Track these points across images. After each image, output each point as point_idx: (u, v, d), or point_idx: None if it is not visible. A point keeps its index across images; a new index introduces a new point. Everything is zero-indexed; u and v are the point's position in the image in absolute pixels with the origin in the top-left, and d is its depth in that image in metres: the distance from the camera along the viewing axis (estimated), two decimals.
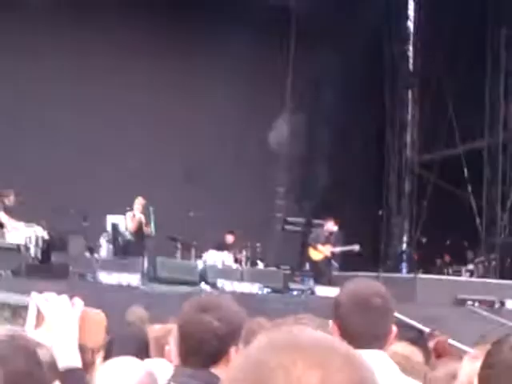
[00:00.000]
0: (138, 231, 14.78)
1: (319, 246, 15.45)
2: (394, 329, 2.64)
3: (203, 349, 2.51)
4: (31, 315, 1.96)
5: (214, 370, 2.52)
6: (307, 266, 16.41)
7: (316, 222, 16.95)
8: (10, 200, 14.14)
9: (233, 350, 2.55)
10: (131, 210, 14.91)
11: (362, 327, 2.57)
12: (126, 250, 14.65)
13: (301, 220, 17.31)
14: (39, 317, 1.97)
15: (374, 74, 20.34)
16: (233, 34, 17.46)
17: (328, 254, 15.45)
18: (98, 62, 17.90)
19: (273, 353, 1.02)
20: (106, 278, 12.83)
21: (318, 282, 14.97)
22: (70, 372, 1.94)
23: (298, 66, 18.35)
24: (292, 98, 18.83)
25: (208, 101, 18.40)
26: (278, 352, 1.02)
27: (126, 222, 14.85)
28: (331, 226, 15.54)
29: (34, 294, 1.99)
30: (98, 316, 2.08)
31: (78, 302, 2.05)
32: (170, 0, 18.03)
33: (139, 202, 14.89)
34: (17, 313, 1.96)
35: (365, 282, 2.79)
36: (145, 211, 14.90)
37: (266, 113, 18.58)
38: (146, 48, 18.08)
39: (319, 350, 1.03)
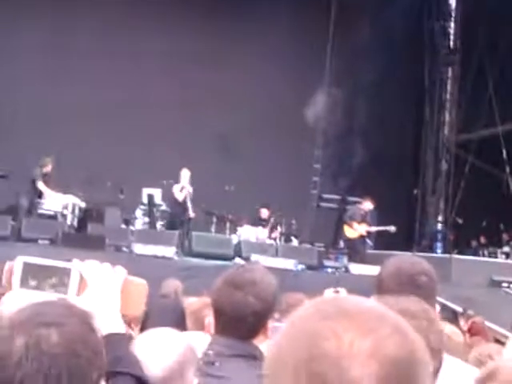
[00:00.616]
0: (184, 204, 14.77)
1: (354, 224, 15.40)
2: (437, 307, 2.62)
3: (240, 325, 2.50)
4: (74, 282, 1.97)
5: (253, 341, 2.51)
6: (342, 244, 16.38)
7: (351, 199, 16.89)
8: (48, 168, 14.29)
9: (270, 322, 2.54)
10: (170, 182, 14.92)
11: None
12: (170, 222, 14.72)
13: (336, 197, 17.27)
14: (81, 284, 1.98)
15: (413, 50, 20.14)
16: (272, 7, 17.40)
17: (363, 232, 15.42)
18: (129, 28, 17.92)
19: (323, 321, 1.03)
20: (142, 249, 12.90)
21: (352, 259, 14.95)
22: (115, 336, 1.94)
23: (337, 40, 18.24)
24: (330, 73, 18.71)
25: (245, 74, 18.37)
26: (328, 320, 1.02)
27: (174, 194, 14.80)
28: (368, 205, 15.48)
29: (75, 260, 2.00)
30: (140, 285, 2.08)
31: (121, 270, 2.05)
32: None
33: (186, 174, 14.87)
34: (61, 279, 1.97)
35: (409, 260, 2.74)
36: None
37: (304, 87, 18.47)
38: (185, 17, 18.07)
39: (369, 316, 1.04)
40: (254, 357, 2.43)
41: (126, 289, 2.02)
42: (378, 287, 2.60)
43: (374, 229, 15.62)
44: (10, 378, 1.51)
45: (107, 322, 1.95)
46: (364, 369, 0.98)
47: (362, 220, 15.44)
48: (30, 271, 1.94)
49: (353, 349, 0.99)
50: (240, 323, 2.49)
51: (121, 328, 1.98)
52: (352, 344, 1.00)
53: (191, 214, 14.74)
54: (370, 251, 15.71)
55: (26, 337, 1.53)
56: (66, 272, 1.96)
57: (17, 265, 1.94)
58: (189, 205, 14.69)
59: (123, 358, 1.95)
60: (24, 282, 1.94)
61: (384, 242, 16.04)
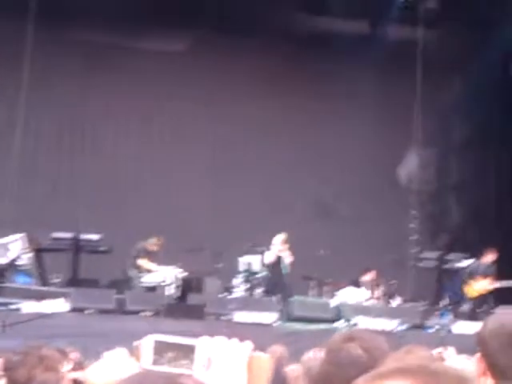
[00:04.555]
0: (278, 269, 14.85)
1: (476, 282, 14.40)
2: None
3: (341, 374, 2.53)
4: (200, 357, 2.02)
5: None
6: (465, 303, 15.44)
7: (450, 257, 16.46)
8: (154, 248, 14.72)
9: None
10: (265, 248, 15.05)
11: None
12: (267, 288, 14.78)
13: (435, 255, 16.94)
14: (208, 359, 2.03)
15: (505, 102, 19.85)
16: (357, 70, 17.53)
17: (488, 288, 14.38)
18: (229, 94, 18.30)
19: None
20: (242, 317, 12.95)
21: (476, 318, 13.80)
22: None
23: (425, 99, 18.17)
24: (421, 131, 18.62)
25: (335, 139, 18.48)
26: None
27: (266, 259, 14.95)
28: (490, 258, 14.44)
29: (203, 337, 2.05)
30: (265, 360, 2.12)
31: (248, 345, 2.10)
32: (297, 38, 18.26)
33: (278, 239, 14.97)
34: (182, 354, 2.02)
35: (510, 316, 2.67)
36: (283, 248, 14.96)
37: (395, 148, 18.44)
38: (272, 87, 18.34)
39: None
40: None
41: (250, 364, 2.07)
42: (481, 346, 2.55)
43: (503, 284, 14.33)
44: None
45: None
46: None
47: (485, 275, 14.39)
48: (157, 348, 2.01)
49: None
50: (345, 371, 2.53)
51: None
52: None
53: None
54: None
55: None
56: (191, 348, 2.02)
57: (146, 343, 2.02)
58: (283, 267, 14.76)
59: None
60: (152, 360, 2.01)
61: (499, 297, 15.35)
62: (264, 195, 18.05)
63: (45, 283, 14.70)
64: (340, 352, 2.59)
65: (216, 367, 2.01)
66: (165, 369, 1.95)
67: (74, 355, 6.35)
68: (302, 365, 3.76)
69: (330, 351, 2.66)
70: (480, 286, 14.47)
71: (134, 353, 2.04)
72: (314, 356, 3.65)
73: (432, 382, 1.05)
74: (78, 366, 5.98)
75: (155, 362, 2.00)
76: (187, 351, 2.01)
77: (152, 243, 14.72)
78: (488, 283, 14.49)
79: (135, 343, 2.05)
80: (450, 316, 14.81)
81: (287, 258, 14.89)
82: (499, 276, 14.99)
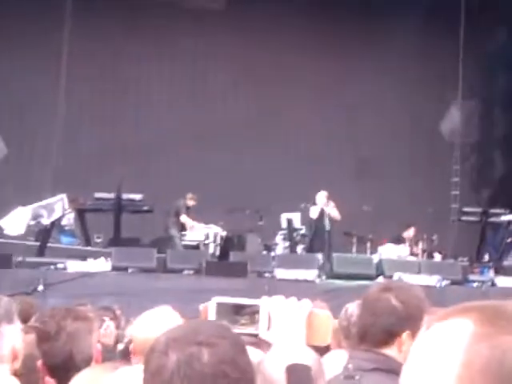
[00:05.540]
0: (320, 226, 14.82)
1: None
2: None
3: (378, 324, 2.58)
4: (263, 318, 2.05)
5: (387, 351, 2.56)
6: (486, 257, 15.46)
7: (494, 211, 16.30)
8: (192, 202, 14.85)
9: (405, 334, 2.57)
10: (307, 206, 15.02)
11: None
12: (309, 245, 14.79)
13: (477, 210, 16.80)
14: (269, 319, 2.06)
15: None
16: (399, 23, 17.27)
17: None
18: (268, 53, 18.17)
19: None
20: (283, 274, 12.99)
21: None
22: (297, 367, 1.99)
23: (468, 50, 17.86)
24: (464, 84, 18.35)
25: (376, 93, 18.27)
26: None
27: (312, 214, 14.92)
28: None
29: (264, 297, 2.07)
30: (325, 317, 2.14)
31: (307, 303, 2.11)
32: None
33: (322, 195, 14.93)
34: (251, 316, 2.04)
35: None
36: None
37: (438, 102, 18.22)
38: (311, 47, 18.16)
39: None
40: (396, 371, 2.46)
41: (311, 321, 2.08)
42: None
43: None
44: None
45: (291, 354, 2.01)
46: None
47: None
48: (222, 310, 2.03)
49: None
50: (378, 321, 2.64)
51: (305, 359, 2.01)
52: None
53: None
54: None
55: (178, 354, 1.54)
56: (255, 309, 2.04)
57: (211, 305, 2.04)
58: (325, 223, 14.72)
59: None
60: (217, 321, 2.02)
61: None
62: (305, 154, 17.99)
63: (88, 243, 14.90)
64: (376, 302, 2.63)
65: (276, 326, 2.03)
66: None
67: (118, 312, 6.46)
68: (340, 317, 3.80)
69: (366, 301, 2.69)
70: None
71: (202, 316, 2.06)
72: (352, 309, 3.70)
73: (497, 319, 1.04)
74: (121, 323, 6.09)
75: None
76: (251, 312, 2.03)
77: (190, 198, 14.84)
78: None
79: (201, 306, 2.07)
80: (491, 272, 14.69)
81: (335, 214, 14.78)
82: None
